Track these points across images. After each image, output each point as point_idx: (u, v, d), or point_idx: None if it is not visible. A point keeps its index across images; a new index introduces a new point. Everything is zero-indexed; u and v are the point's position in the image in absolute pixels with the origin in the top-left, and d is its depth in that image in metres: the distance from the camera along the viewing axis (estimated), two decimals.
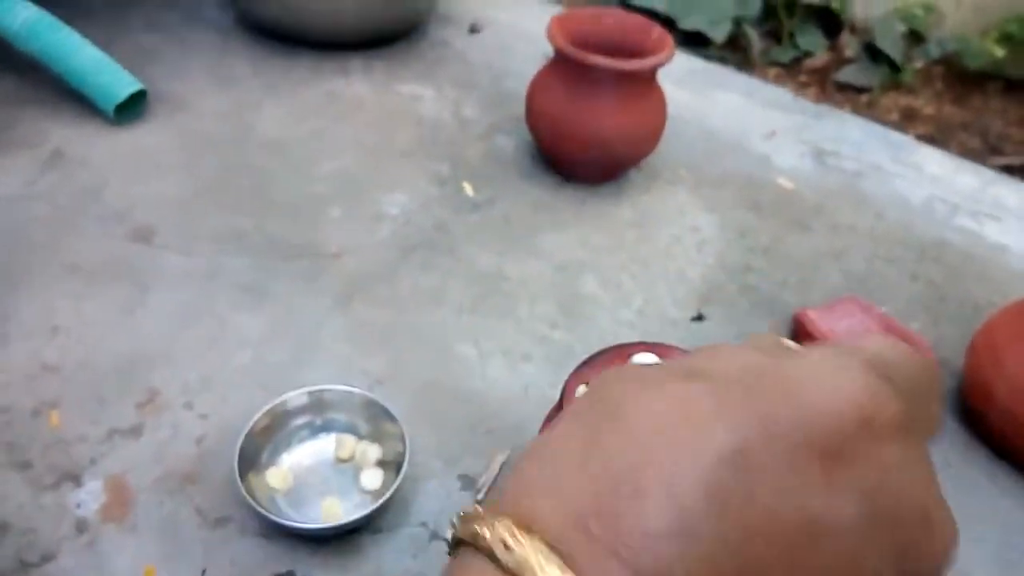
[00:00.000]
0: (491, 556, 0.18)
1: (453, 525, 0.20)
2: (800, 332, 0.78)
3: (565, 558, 0.17)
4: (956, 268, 0.90)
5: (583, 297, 0.82)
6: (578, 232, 0.90)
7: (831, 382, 0.18)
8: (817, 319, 0.77)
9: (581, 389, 0.53)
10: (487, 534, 0.18)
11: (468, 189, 0.94)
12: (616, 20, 0.94)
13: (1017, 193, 1.02)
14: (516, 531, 0.17)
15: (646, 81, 0.89)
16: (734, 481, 0.17)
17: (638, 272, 0.86)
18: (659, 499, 0.17)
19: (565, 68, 0.88)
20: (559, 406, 0.54)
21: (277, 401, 0.63)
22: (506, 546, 0.17)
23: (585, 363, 0.55)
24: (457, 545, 0.20)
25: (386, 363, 0.73)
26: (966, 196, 1.01)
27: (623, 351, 0.56)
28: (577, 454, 0.19)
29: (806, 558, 0.17)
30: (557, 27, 0.89)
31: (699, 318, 0.81)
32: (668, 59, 0.87)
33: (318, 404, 0.65)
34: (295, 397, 0.64)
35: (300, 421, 0.64)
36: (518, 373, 0.74)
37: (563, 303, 0.81)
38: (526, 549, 0.17)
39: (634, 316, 0.81)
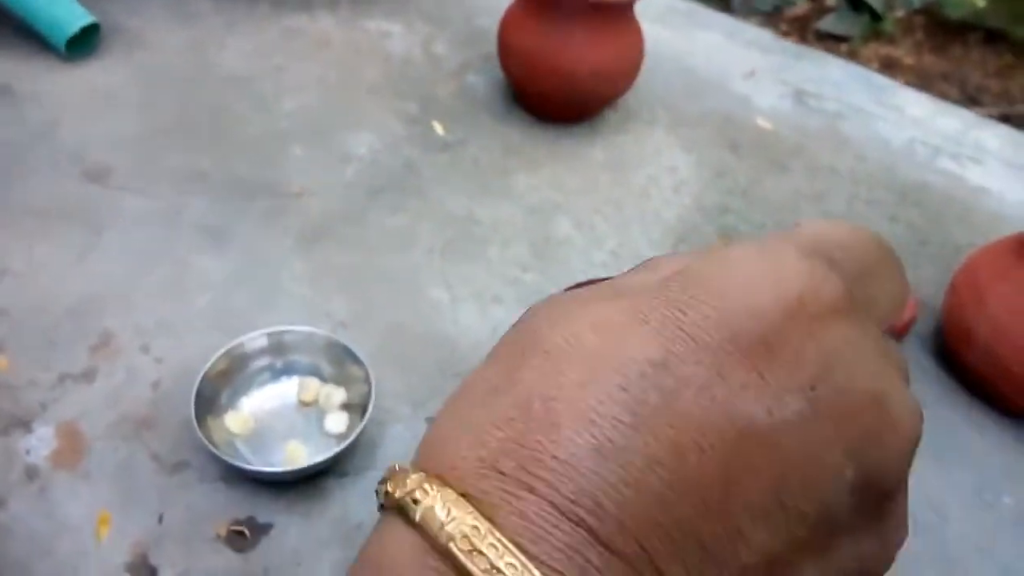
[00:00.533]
0: (402, 514, 0.16)
1: (376, 490, 0.18)
2: None
3: (477, 504, 0.15)
4: (937, 210, 0.89)
5: (556, 239, 0.80)
6: (551, 173, 0.87)
7: (755, 271, 0.17)
8: None
9: None
10: (397, 492, 0.16)
11: (438, 128, 0.91)
12: None
13: (998, 136, 1.00)
14: (426, 483, 0.16)
15: (622, 15, 0.86)
16: (656, 395, 0.15)
17: (612, 214, 0.83)
18: (574, 423, 0.15)
19: (538, 1, 0.85)
20: None
21: (235, 343, 0.60)
22: (415, 501, 0.16)
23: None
24: (381, 508, 0.18)
25: (351, 306, 0.71)
26: (948, 139, 0.99)
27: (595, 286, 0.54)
28: (490, 391, 0.17)
29: (750, 466, 0.15)
30: None
31: None
32: None
33: (278, 346, 0.62)
34: (254, 339, 0.61)
35: (260, 364, 0.62)
36: (489, 316, 0.72)
37: (535, 245, 0.79)
38: (433, 500, 0.15)
39: (608, 257, 0.78)
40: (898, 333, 0.71)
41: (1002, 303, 0.64)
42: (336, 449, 0.56)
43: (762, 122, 0.97)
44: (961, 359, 0.68)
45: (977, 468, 0.64)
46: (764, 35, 1.15)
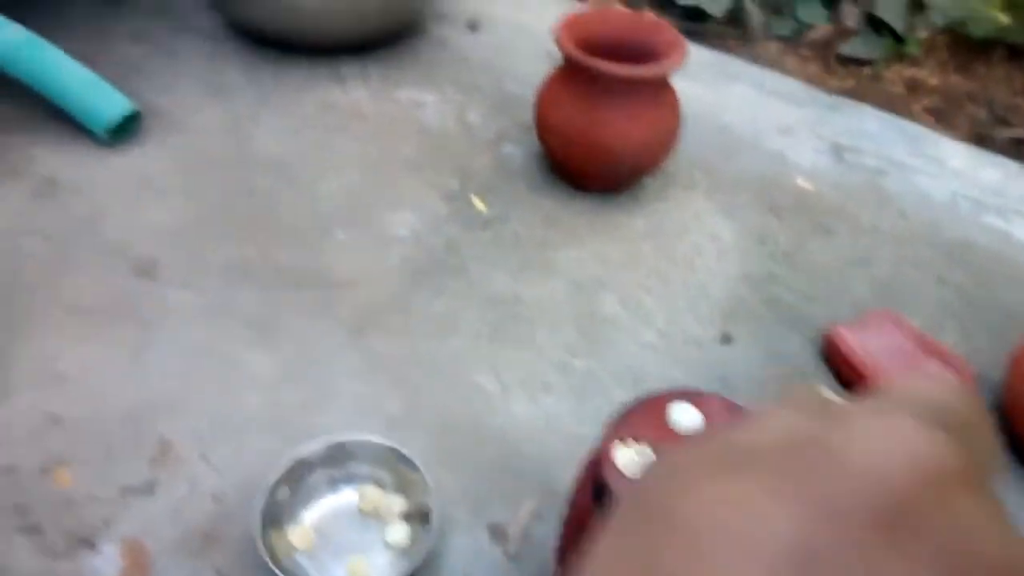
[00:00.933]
0: None
1: None
2: (832, 351, 0.75)
3: None
4: (984, 270, 0.88)
5: (602, 318, 0.80)
6: (593, 247, 0.87)
7: (885, 444, 0.17)
8: (849, 337, 0.75)
9: (619, 450, 0.50)
10: None
11: (478, 204, 0.91)
12: (626, 20, 0.90)
13: None
14: None
15: (660, 85, 0.86)
16: None
17: (658, 288, 0.83)
18: None
19: (574, 75, 0.85)
20: (596, 463, 0.51)
21: (296, 455, 0.60)
22: None
23: (621, 417, 0.53)
24: None
25: (403, 401, 0.71)
26: (990, 192, 0.98)
27: (659, 401, 0.53)
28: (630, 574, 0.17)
29: None
30: (565, 31, 0.85)
31: (726, 340, 0.78)
32: (682, 61, 0.83)
33: (338, 455, 0.62)
34: (314, 448, 0.61)
35: (319, 474, 0.62)
36: (540, 405, 0.71)
37: (582, 326, 0.79)
38: None
39: (656, 338, 0.78)
40: None
41: None
42: (407, 573, 0.55)
43: (802, 182, 0.97)
44: None
45: None
46: (796, 87, 1.14)
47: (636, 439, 0.51)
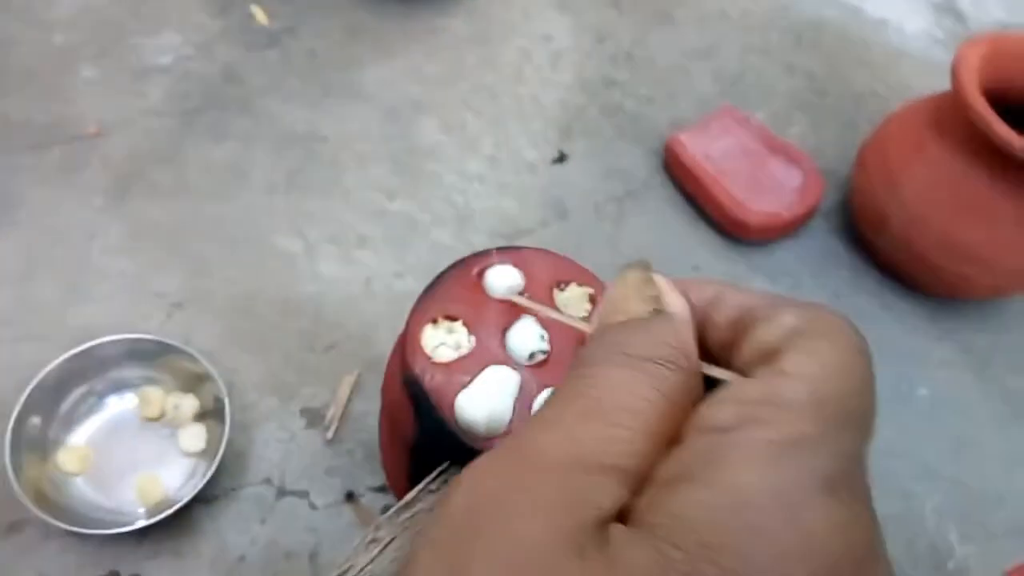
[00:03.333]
0: None
1: None
2: (673, 161, 0.68)
3: None
4: (834, 53, 0.81)
5: (422, 149, 0.68)
6: (407, 61, 0.74)
7: (778, 534, 0.14)
8: (690, 144, 0.67)
9: (427, 332, 0.42)
10: None
11: (259, 15, 0.74)
12: None
13: None
14: None
15: None
16: None
17: (484, 106, 0.72)
18: None
19: None
20: (403, 349, 0.43)
21: (45, 371, 0.49)
22: None
23: (429, 291, 0.44)
24: None
25: (184, 278, 0.59)
26: None
27: (472, 266, 0.45)
28: None
29: None
30: None
31: (560, 159, 0.69)
32: None
33: (89, 364, 0.51)
34: (55, 365, 0.49)
35: (81, 389, 0.51)
36: (355, 264, 0.62)
37: (398, 161, 0.67)
38: None
39: (485, 166, 0.68)
40: (804, 216, 0.66)
41: (915, 187, 0.58)
42: (199, 484, 0.47)
43: None
44: (874, 245, 0.64)
45: (893, 357, 0.61)
46: None
47: (448, 316, 0.42)
